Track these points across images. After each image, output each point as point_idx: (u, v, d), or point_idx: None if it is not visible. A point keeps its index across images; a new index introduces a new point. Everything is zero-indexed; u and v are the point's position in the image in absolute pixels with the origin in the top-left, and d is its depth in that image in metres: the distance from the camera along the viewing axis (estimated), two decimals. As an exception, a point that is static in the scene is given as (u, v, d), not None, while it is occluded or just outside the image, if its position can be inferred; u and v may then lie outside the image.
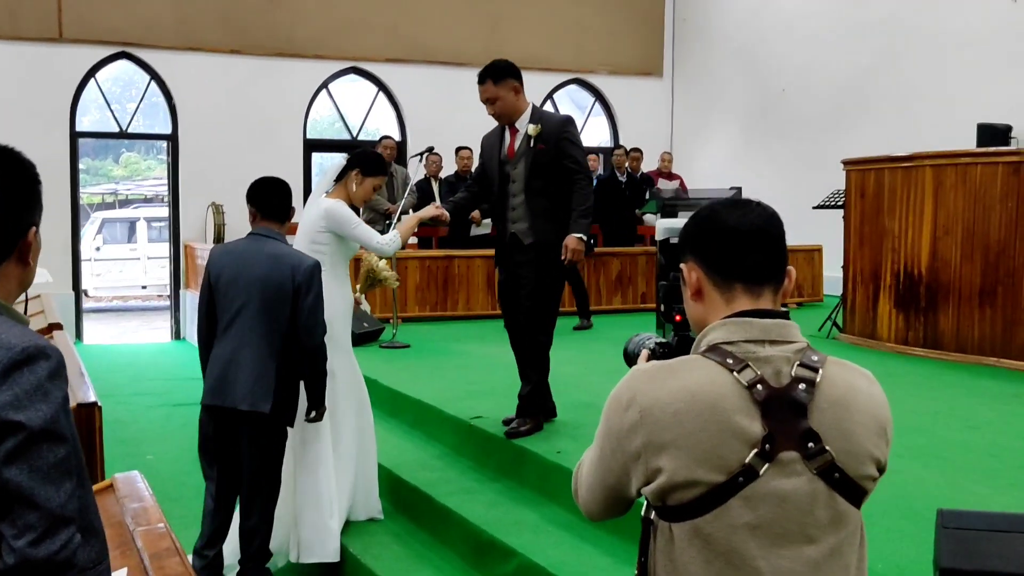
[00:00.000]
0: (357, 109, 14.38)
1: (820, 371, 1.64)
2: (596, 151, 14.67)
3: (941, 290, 7.41)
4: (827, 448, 1.60)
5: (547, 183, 4.94)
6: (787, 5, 13.39)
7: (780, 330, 1.67)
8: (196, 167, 13.00)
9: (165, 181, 14.18)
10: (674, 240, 2.00)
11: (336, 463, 4.63)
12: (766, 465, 1.58)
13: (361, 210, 10.10)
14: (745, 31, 14.10)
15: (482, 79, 4.95)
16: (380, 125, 14.28)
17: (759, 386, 1.61)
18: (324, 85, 13.86)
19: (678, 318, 1.96)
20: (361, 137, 14.35)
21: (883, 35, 11.83)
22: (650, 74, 15.48)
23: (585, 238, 4.88)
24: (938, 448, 4.77)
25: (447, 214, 5.01)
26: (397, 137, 13.23)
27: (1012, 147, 8.24)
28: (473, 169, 9.24)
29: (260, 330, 4.16)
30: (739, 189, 6.51)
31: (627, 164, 11.90)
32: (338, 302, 4.68)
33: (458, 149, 10.86)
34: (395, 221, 8.51)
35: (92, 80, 12.65)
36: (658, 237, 1.85)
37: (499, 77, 4.92)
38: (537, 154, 4.92)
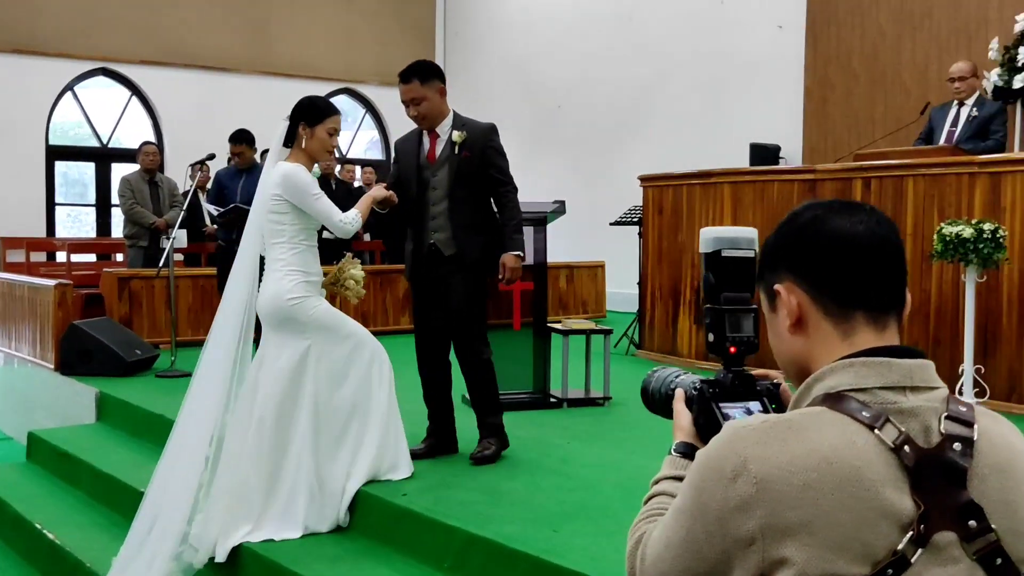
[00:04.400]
0: (107, 114, 13.20)
1: (975, 426, 1.29)
2: (367, 163, 14.18)
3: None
4: (992, 527, 1.25)
5: (470, 192, 4.63)
6: (559, 23, 13.44)
7: (923, 373, 1.32)
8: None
9: None
10: (731, 253, 1.59)
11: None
12: (918, 551, 1.22)
13: (126, 223, 9.24)
14: (518, 47, 14.05)
15: (407, 78, 4.56)
16: (134, 132, 13.14)
17: (906, 447, 1.25)
18: (69, 87, 12.65)
19: (732, 350, 1.57)
20: (112, 145, 13.20)
21: (657, 56, 12.08)
22: (421, 86, 15.14)
23: (523, 255, 4.66)
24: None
25: (395, 196, 4.56)
26: (155, 145, 12.22)
27: (806, 165, 8.50)
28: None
29: None
30: (563, 203, 6.22)
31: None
32: (301, 281, 4.23)
33: (229, 159, 10.07)
34: (172, 235, 7.71)
35: None
36: (704, 249, 1.51)
37: (426, 77, 4.56)
38: (461, 162, 4.60)
